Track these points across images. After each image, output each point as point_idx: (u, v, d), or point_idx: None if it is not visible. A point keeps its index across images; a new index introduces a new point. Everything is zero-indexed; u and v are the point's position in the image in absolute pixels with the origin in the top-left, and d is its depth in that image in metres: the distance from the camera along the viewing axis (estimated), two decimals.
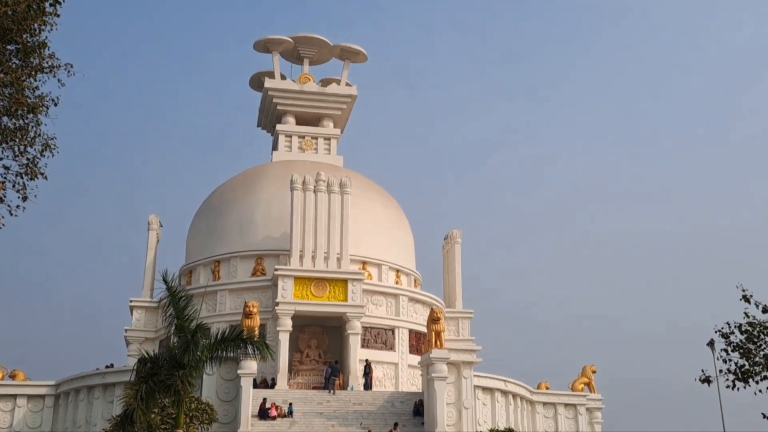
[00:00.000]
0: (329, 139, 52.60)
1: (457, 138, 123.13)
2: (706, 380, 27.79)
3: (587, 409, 44.48)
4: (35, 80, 16.76)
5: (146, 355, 25.02)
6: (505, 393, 40.04)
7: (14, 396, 38.06)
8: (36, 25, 15.88)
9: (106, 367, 38.71)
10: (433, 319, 34.19)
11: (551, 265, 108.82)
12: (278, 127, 52.35)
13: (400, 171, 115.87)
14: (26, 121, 17.23)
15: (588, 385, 45.84)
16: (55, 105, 17.40)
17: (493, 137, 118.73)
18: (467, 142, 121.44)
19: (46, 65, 16.55)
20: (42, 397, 38.49)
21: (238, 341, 25.45)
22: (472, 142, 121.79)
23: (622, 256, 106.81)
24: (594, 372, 46.33)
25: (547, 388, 44.80)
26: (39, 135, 17.28)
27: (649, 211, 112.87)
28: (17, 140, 17.26)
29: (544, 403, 43.60)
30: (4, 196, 17.18)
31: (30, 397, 38.32)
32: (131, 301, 45.66)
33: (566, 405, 43.84)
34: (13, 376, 39.57)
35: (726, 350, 27.55)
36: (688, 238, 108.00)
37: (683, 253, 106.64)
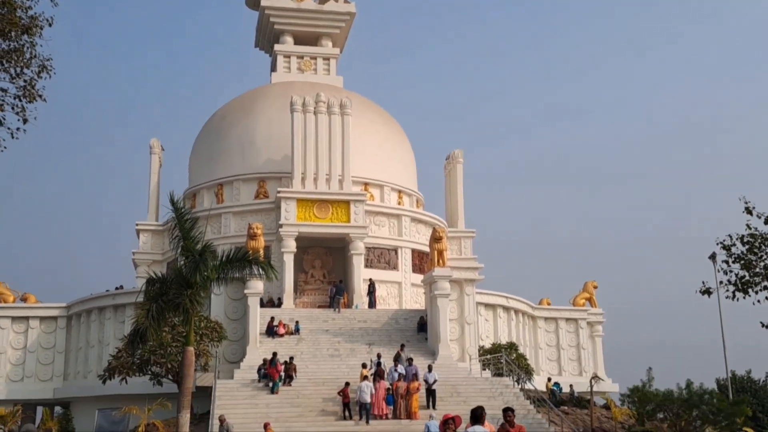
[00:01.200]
0: (328, 59, 51.79)
1: (458, 54, 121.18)
2: (707, 291, 28.33)
3: (588, 323, 45.46)
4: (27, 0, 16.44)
5: (155, 276, 25.48)
6: (507, 309, 40.84)
7: (27, 318, 38.86)
8: None
9: (116, 288, 39.37)
10: (436, 239, 34.49)
11: (554, 182, 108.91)
12: (276, 47, 51.48)
13: (400, 91, 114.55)
14: (20, 43, 16.96)
15: (589, 300, 46.68)
16: (50, 25, 17.09)
17: (495, 49, 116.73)
18: (467, 59, 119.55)
19: None
20: (54, 318, 39.30)
21: (243, 261, 25.86)
22: (472, 57, 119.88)
23: (623, 169, 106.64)
24: (595, 287, 47.09)
25: (548, 304, 45.69)
26: (35, 56, 17.04)
27: (653, 126, 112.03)
28: (13, 62, 17.05)
29: (546, 318, 44.56)
30: (4, 119, 17.11)
31: (42, 318, 39.12)
32: (137, 225, 46.02)
33: (567, 319, 44.81)
34: (24, 299, 40.31)
35: (727, 262, 27.97)
36: (690, 153, 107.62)
37: (685, 168, 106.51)
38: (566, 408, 31.59)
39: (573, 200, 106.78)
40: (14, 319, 38.72)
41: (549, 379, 37.94)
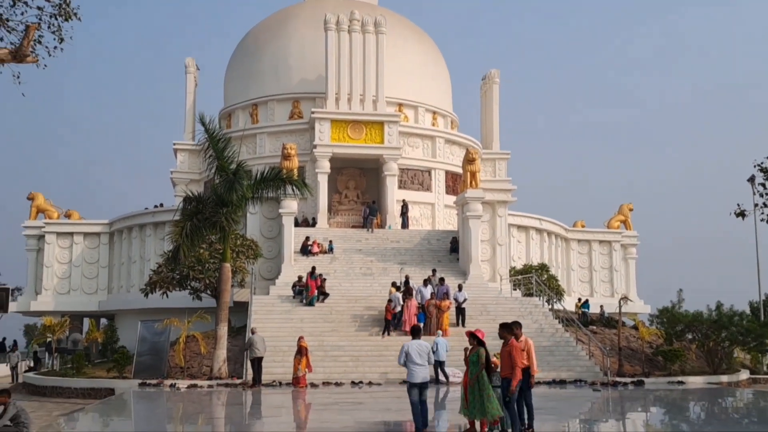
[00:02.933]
0: None
1: None
2: (741, 214, 28.08)
3: (622, 246, 45.43)
4: None
5: (190, 195, 26.08)
6: (539, 231, 40.95)
7: (71, 234, 40.22)
8: None
9: (154, 206, 40.34)
10: (469, 160, 34.41)
11: (591, 102, 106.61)
12: None
13: (436, 8, 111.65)
14: None
15: (624, 222, 46.48)
16: None
17: None
18: None
19: None
20: (97, 234, 40.60)
21: (277, 180, 26.30)
22: None
23: (661, 90, 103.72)
24: (631, 210, 46.77)
25: (582, 227, 45.67)
26: None
27: (686, 61, 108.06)
28: None
29: (579, 240, 44.63)
30: (42, 37, 17.34)
31: (86, 234, 40.44)
32: (174, 144, 46.65)
33: (601, 242, 44.83)
34: (68, 216, 41.63)
35: (764, 184, 27.48)
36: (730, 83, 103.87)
37: (727, 96, 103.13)
38: (594, 328, 31.99)
39: (612, 124, 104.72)
40: (59, 234, 40.09)
41: (579, 300, 38.34)
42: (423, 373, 12.58)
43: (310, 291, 29.04)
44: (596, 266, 44.35)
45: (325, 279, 30.07)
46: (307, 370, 22.88)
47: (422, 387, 12.57)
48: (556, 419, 16.08)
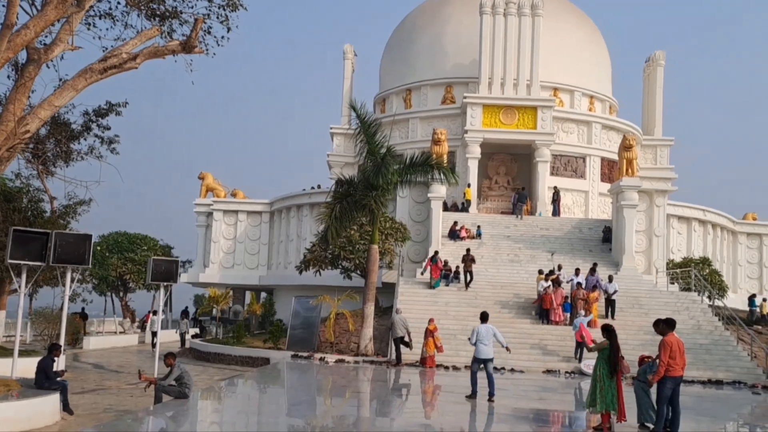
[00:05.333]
0: None
1: None
2: None
3: None
4: None
5: (342, 178, 27.09)
6: (703, 222, 38.54)
7: (236, 212, 43.05)
8: None
9: (311, 188, 42.21)
10: (625, 147, 33.02)
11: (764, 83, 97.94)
12: None
13: None
14: None
15: None
16: None
17: None
18: None
19: None
20: (259, 213, 43.15)
21: (425, 166, 26.67)
22: None
23: None
24: None
25: (754, 219, 42.52)
26: None
27: None
28: None
29: (748, 234, 41.65)
30: (212, 28, 18.70)
31: (249, 213, 43.12)
32: (331, 128, 48.42)
33: None
34: (234, 195, 44.55)
35: None
36: None
37: None
38: (760, 327, 29.77)
39: None
40: (225, 212, 43.02)
41: (750, 298, 35.83)
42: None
43: (433, 274, 29.36)
44: (767, 262, 41.13)
45: (470, 257, 29.86)
46: (436, 350, 23.39)
47: (486, 362, 15.57)
48: (710, 420, 15.28)
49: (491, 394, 15.17)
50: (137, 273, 43.17)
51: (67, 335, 27.24)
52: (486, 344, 15.51)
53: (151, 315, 39.34)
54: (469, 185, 39.32)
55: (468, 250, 30.38)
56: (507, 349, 16.36)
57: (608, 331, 11.86)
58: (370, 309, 26.15)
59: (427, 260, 30.28)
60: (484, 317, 16.07)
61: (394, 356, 24.23)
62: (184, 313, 42.41)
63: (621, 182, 32.70)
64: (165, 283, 21.94)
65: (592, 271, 28.58)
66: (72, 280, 19.22)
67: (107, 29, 17.23)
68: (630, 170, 32.73)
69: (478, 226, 35.28)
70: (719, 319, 27.67)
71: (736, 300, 37.21)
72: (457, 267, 30.03)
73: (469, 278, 29.42)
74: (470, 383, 15.65)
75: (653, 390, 11.92)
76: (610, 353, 11.64)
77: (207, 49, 17.38)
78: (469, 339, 15.89)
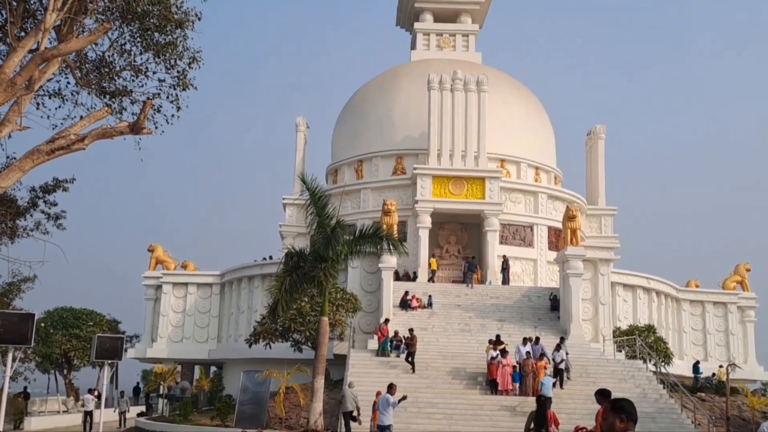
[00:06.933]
0: (467, 35, 51.81)
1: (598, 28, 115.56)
2: None
3: (739, 308, 43.10)
4: None
5: (292, 250, 27.23)
6: (647, 290, 39.51)
7: (186, 284, 42.48)
8: None
9: (263, 259, 42.10)
10: (569, 217, 34.03)
11: (703, 153, 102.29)
12: (416, 25, 52.16)
13: (540, 64, 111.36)
14: (174, 36, 18.71)
15: (741, 283, 44.16)
16: (199, 20, 18.70)
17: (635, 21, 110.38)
18: (607, 32, 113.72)
19: None
20: (210, 285, 42.66)
21: (375, 237, 27.00)
22: (613, 30, 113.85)
23: None
24: (748, 270, 44.44)
25: (697, 287, 43.67)
26: (186, 49, 18.73)
27: None
28: (167, 54, 18.85)
29: (692, 301, 42.72)
30: (161, 107, 18.99)
31: (199, 285, 42.58)
32: (284, 199, 48.64)
33: (715, 303, 42.75)
34: (185, 266, 44.06)
35: None
36: None
37: None
38: (703, 394, 30.38)
39: (724, 179, 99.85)
40: (175, 284, 42.42)
41: (694, 365, 36.54)
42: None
43: (378, 338, 29.50)
44: (710, 329, 42.17)
45: (414, 337, 29.54)
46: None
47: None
48: None
49: None
50: (82, 350, 41.93)
51: (8, 416, 26.21)
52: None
53: (86, 394, 37.06)
54: (433, 255, 39.95)
55: (411, 330, 30.03)
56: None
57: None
58: (320, 383, 25.89)
59: (376, 330, 30.41)
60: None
61: (344, 431, 23.95)
62: (125, 391, 41.06)
63: (566, 251, 33.56)
64: (110, 361, 21.51)
65: (537, 340, 28.90)
66: (14, 359, 18.74)
67: (57, 108, 17.40)
68: (574, 239, 33.65)
69: (430, 296, 35.57)
70: (664, 387, 28.19)
71: (682, 366, 37.91)
72: (406, 341, 29.74)
73: (411, 359, 29.00)
74: None
75: None
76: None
77: (156, 127, 17.65)
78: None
